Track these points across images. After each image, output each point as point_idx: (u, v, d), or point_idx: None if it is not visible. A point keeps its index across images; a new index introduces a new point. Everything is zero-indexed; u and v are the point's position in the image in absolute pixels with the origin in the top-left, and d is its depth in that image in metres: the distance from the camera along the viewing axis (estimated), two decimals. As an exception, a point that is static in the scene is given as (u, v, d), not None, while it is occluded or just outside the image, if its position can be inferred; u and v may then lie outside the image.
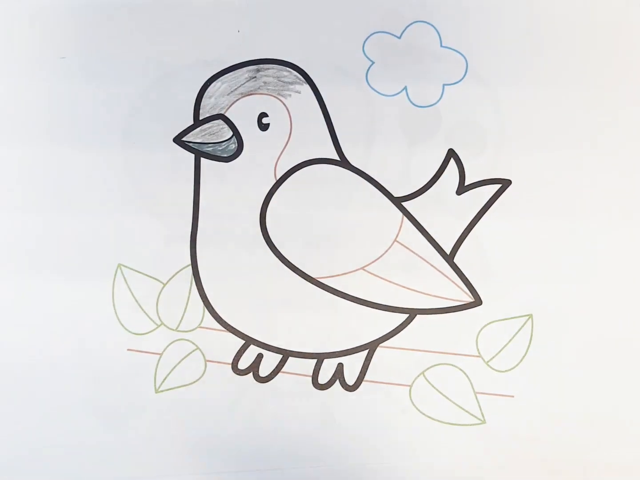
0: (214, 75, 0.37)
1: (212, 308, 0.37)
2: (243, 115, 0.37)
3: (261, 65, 0.37)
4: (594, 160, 0.36)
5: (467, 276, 0.36)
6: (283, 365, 0.37)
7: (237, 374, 0.37)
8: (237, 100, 0.37)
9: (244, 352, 0.37)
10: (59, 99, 0.37)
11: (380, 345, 0.37)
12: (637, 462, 0.37)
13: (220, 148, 0.37)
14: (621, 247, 0.36)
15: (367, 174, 0.37)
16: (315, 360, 0.37)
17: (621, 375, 0.37)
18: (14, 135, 0.37)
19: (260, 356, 0.37)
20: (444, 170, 0.36)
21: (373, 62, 0.36)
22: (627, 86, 0.36)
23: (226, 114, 0.37)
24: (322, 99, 0.37)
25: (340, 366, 0.37)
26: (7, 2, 0.37)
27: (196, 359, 0.37)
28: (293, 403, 0.37)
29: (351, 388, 0.37)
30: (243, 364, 0.37)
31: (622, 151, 0.36)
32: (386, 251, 0.37)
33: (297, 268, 0.37)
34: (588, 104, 0.36)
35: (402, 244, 0.37)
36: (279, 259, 0.37)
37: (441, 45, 0.36)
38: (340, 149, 0.37)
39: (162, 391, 0.37)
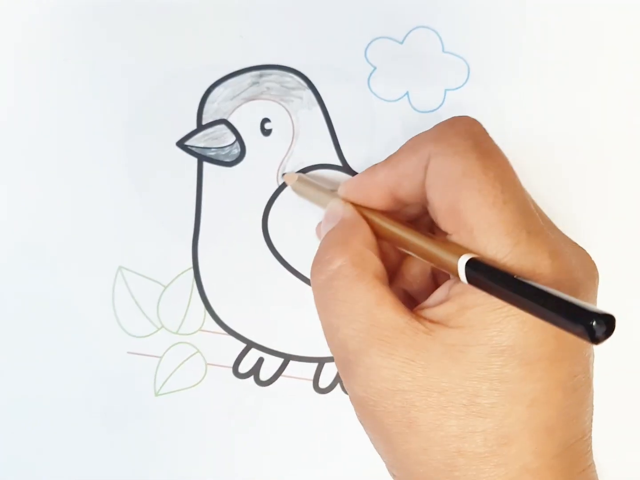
0: (217, 80, 0.37)
1: (213, 311, 0.37)
2: (246, 120, 0.37)
3: (264, 71, 0.37)
4: (597, 163, 0.36)
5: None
6: (284, 369, 0.37)
7: (238, 378, 0.37)
8: (240, 105, 0.37)
9: (244, 355, 0.37)
10: (60, 102, 0.37)
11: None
12: (637, 461, 0.37)
13: (223, 153, 0.37)
14: (622, 247, 0.36)
15: (368, 179, 0.37)
16: (316, 364, 0.37)
17: (621, 374, 0.36)
18: (14, 138, 0.37)
19: (261, 360, 0.37)
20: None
21: (375, 68, 0.36)
22: (630, 87, 0.36)
23: (229, 119, 0.37)
24: (324, 104, 0.37)
25: (341, 370, 0.37)
26: (8, 4, 0.37)
27: (197, 362, 0.36)
28: (294, 407, 0.36)
29: (352, 392, 0.36)
30: (244, 367, 0.37)
31: (626, 153, 0.36)
32: (387, 255, 0.37)
33: (299, 272, 0.37)
34: (591, 107, 0.36)
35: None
36: (281, 263, 0.37)
37: (443, 51, 0.36)
38: (342, 154, 0.37)
39: (162, 394, 0.37)
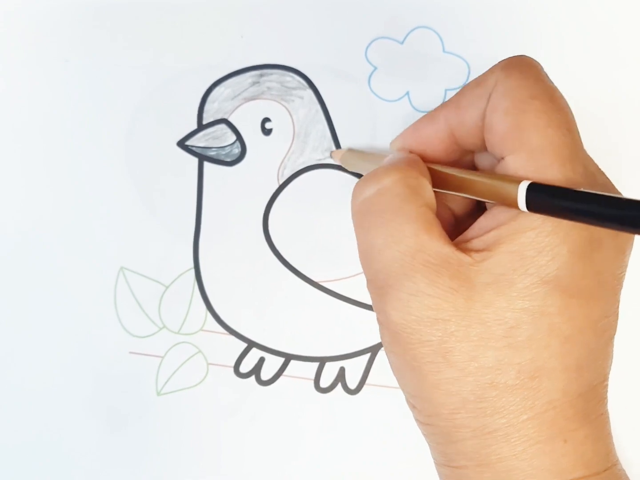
0: (217, 80, 0.37)
1: (214, 311, 0.37)
2: (246, 120, 0.37)
3: (264, 71, 0.37)
4: (597, 162, 0.36)
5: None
6: (285, 369, 0.37)
7: (239, 377, 0.37)
8: (240, 105, 0.37)
9: (245, 355, 0.37)
10: (61, 102, 0.37)
11: (382, 348, 0.37)
12: (636, 462, 0.37)
13: (224, 152, 0.37)
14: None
15: (369, 179, 0.37)
16: (317, 364, 0.37)
17: (621, 374, 0.37)
18: (15, 139, 0.37)
19: (262, 359, 0.37)
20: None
21: (375, 68, 0.36)
22: (632, 85, 0.36)
23: (229, 119, 0.37)
24: (324, 104, 0.37)
25: (342, 370, 0.37)
26: (10, 4, 0.37)
27: (198, 362, 0.37)
28: (295, 406, 0.36)
29: (353, 392, 0.37)
30: (245, 367, 0.37)
31: (626, 152, 0.36)
32: (388, 255, 0.37)
33: (300, 272, 0.37)
34: (590, 106, 0.36)
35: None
36: (282, 263, 0.37)
37: (443, 51, 0.36)
38: (343, 153, 0.37)
39: (163, 394, 0.37)
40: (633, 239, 0.26)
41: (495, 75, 0.26)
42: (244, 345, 0.37)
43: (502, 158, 0.25)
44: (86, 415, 0.37)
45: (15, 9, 0.37)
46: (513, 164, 0.24)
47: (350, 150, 0.35)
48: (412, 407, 0.27)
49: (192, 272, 0.37)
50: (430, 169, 0.27)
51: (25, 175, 0.37)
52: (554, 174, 0.23)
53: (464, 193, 0.26)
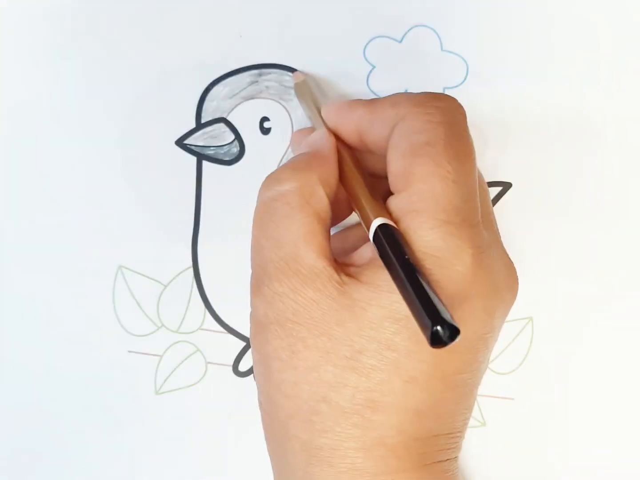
0: (216, 79, 0.37)
1: (213, 310, 0.37)
2: (245, 119, 0.37)
3: (263, 70, 0.37)
4: (596, 162, 0.36)
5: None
6: (283, 368, 0.37)
7: (238, 376, 0.37)
8: (239, 104, 0.37)
9: (244, 353, 0.37)
10: (59, 102, 0.37)
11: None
12: (637, 464, 0.37)
13: (222, 151, 0.37)
14: (622, 248, 0.36)
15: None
16: (315, 363, 0.37)
17: (623, 377, 0.37)
18: (13, 139, 0.37)
19: (260, 358, 0.37)
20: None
21: (374, 67, 0.36)
22: (631, 83, 0.36)
23: (228, 118, 0.37)
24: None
25: (340, 369, 0.37)
26: (9, 4, 0.37)
27: (197, 360, 0.37)
28: (293, 405, 0.36)
29: (351, 390, 0.37)
30: (244, 365, 0.37)
31: (624, 152, 0.36)
32: (387, 254, 0.37)
33: (298, 270, 0.37)
34: (591, 105, 0.36)
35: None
36: (280, 262, 0.37)
37: (442, 49, 0.36)
38: (341, 152, 0.37)
39: (162, 393, 0.37)
40: (507, 304, 0.27)
41: (407, 109, 0.27)
42: (243, 344, 0.37)
43: (392, 194, 0.26)
44: (84, 414, 0.37)
45: (15, 9, 0.37)
46: (395, 201, 0.25)
47: (306, 82, 0.35)
48: (260, 403, 0.28)
49: (191, 270, 0.37)
50: (341, 163, 0.29)
51: (23, 175, 0.37)
52: (422, 220, 0.24)
53: (351, 198, 0.28)
